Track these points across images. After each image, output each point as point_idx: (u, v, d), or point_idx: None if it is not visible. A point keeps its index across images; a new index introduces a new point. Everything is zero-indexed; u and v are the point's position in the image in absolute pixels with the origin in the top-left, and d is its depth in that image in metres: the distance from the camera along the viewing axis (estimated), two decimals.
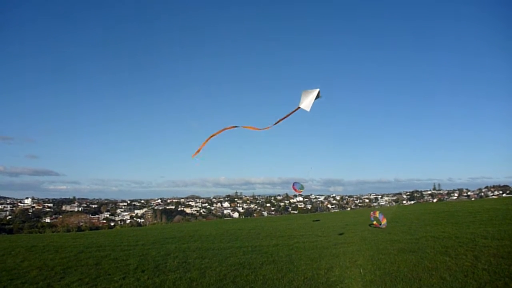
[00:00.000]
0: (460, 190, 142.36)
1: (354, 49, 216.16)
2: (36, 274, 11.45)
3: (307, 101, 8.80)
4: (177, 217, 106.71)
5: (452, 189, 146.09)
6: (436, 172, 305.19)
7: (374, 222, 23.17)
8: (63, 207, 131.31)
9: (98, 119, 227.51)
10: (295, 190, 24.42)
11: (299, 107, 8.74)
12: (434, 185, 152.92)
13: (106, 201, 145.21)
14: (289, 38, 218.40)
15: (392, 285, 9.04)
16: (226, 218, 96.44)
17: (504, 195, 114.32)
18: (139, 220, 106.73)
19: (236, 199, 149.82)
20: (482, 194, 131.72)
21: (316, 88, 8.68)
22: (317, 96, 8.62)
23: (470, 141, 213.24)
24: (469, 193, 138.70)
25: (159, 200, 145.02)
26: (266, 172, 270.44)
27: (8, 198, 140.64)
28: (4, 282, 10.39)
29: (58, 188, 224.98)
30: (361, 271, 10.73)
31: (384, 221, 22.52)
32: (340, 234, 20.44)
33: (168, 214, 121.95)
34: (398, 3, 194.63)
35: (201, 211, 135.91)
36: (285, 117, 9.41)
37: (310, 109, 8.60)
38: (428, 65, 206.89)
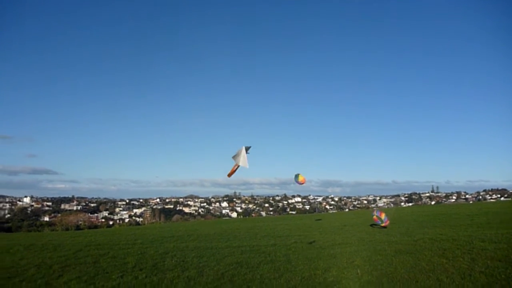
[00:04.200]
0: (458, 193, 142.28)
1: (352, 49, 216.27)
2: (34, 272, 11.47)
3: (242, 159, 9.52)
4: (176, 216, 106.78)
5: (450, 192, 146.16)
6: (434, 175, 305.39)
7: (382, 224, 22.83)
8: (62, 206, 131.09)
9: (97, 118, 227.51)
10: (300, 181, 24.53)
11: (239, 166, 9.55)
12: (432, 188, 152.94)
13: (104, 200, 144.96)
14: (287, 38, 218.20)
15: (389, 286, 9.08)
16: (224, 218, 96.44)
17: (502, 198, 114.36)
18: (137, 219, 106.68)
19: (234, 199, 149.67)
20: (480, 197, 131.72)
21: (241, 147, 9.42)
22: (247, 150, 9.35)
23: (468, 144, 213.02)
24: (467, 196, 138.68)
25: (158, 200, 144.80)
26: (264, 172, 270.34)
27: (7, 196, 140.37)
28: (2, 280, 10.41)
29: (57, 187, 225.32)
30: (358, 271, 10.76)
31: (383, 215, 22.54)
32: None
33: (167, 213, 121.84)
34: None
35: (200, 210, 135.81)
36: (234, 171, 10.21)
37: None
38: (427, 67, 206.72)
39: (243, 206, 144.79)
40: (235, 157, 9.28)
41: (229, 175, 12.08)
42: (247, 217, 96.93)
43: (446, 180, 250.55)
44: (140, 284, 10.00)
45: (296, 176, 24.66)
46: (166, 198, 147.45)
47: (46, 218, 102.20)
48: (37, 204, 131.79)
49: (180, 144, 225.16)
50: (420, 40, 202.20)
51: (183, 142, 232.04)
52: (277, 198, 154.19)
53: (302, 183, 24.89)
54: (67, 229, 43.63)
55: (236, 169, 11.02)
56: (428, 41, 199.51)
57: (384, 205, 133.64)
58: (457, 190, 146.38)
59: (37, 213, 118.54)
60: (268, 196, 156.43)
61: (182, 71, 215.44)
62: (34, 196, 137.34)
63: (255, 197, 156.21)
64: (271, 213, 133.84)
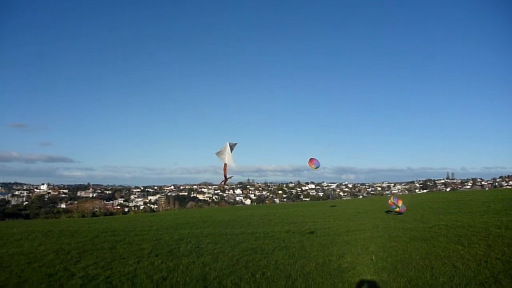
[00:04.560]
0: (474, 180, 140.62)
1: (367, 36, 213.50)
2: (53, 258, 11.70)
3: (228, 158, 9.26)
4: (190, 203, 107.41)
5: (465, 179, 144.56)
6: (450, 161, 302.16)
7: (397, 209, 22.82)
8: (78, 193, 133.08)
9: (112, 106, 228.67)
10: (310, 165, 24.55)
11: (226, 164, 9.26)
12: (448, 174, 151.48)
13: (120, 188, 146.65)
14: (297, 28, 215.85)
15: (404, 272, 9.06)
16: (238, 205, 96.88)
17: None
18: (152, 206, 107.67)
19: (248, 186, 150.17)
20: (496, 184, 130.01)
21: (225, 143, 9.11)
22: (232, 148, 9.05)
23: (484, 130, 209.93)
24: (483, 182, 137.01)
25: (172, 187, 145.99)
26: (277, 160, 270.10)
27: (25, 184, 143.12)
28: (22, 266, 10.63)
29: (73, 175, 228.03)
30: (373, 258, 10.76)
31: (400, 203, 22.44)
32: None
33: (181, 200, 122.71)
34: None
35: (214, 197, 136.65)
36: (226, 178, 9.95)
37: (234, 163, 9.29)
38: (442, 53, 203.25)
39: (257, 193, 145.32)
40: (219, 154, 9.09)
41: (220, 185, 11.81)
42: (260, 204, 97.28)
43: (462, 167, 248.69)
44: (156, 269, 10.13)
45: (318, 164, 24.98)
46: (180, 185, 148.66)
47: (63, 205, 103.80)
48: (54, 191, 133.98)
49: (194, 131, 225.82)
50: (440, 28, 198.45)
51: (197, 129, 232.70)
52: (290, 185, 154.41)
53: (314, 165, 25.05)
54: (83, 216, 44.18)
55: (226, 177, 10.78)
56: (447, 27, 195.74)
57: (398, 192, 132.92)
58: (473, 177, 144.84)
59: (54, 200, 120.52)
60: (281, 183, 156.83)
61: (194, 58, 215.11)
62: (51, 184, 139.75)
63: (268, 184, 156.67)
64: (285, 200, 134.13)
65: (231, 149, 8.94)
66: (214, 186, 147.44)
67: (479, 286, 7.78)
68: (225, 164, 9.10)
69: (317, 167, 25.18)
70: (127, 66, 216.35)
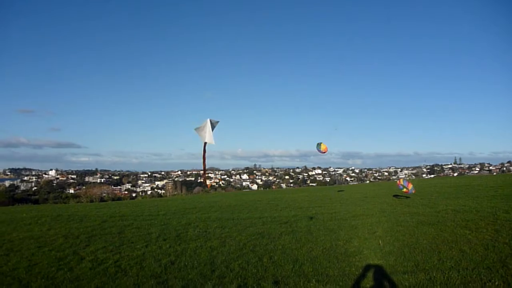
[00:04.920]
0: (482, 165, 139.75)
1: (374, 19, 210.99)
2: (62, 242, 11.84)
3: (208, 136, 8.84)
4: (197, 188, 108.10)
5: (473, 164, 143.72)
6: (457, 146, 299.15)
7: (404, 190, 22.80)
8: (86, 179, 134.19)
9: (118, 91, 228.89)
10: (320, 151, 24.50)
11: (206, 143, 8.80)
12: (455, 159, 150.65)
13: (127, 173, 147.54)
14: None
15: (411, 257, 9.07)
16: (245, 190, 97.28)
17: None
18: (159, 191, 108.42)
19: (254, 171, 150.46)
20: (504, 169, 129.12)
21: (205, 120, 8.69)
22: (213, 126, 8.65)
23: (492, 114, 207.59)
24: (490, 167, 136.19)
25: (179, 172, 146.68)
26: (284, 145, 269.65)
27: (33, 170, 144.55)
28: (32, 250, 10.77)
29: (81, 160, 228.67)
30: (380, 242, 10.77)
31: (410, 186, 22.40)
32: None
33: (188, 185, 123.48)
34: None
35: (220, 183, 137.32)
36: (204, 160, 9.52)
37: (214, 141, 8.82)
38: (449, 38, 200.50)
39: (264, 178, 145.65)
40: (198, 130, 8.73)
41: (206, 184, 11.40)
42: (267, 189, 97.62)
43: (470, 152, 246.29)
44: (164, 253, 10.22)
45: (319, 144, 24.61)
46: (187, 170, 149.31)
47: (71, 191, 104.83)
48: (62, 177, 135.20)
49: (200, 116, 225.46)
50: (453, 11, 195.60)
51: (203, 114, 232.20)
52: (297, 170, 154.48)
53: (324, 152, 24.84)
54: (91, 201, 44.64)
55: (205, 167, 10.26)
56: (460, 12, 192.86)
57: (405, 176, 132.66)
58: (481, 162, 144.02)
59: (62, 185, 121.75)
60: (288, 168, 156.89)
61: (198, 43, 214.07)
62: (59, 169, 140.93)
63: (275, 169, 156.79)
64: (292, 185, 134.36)
65: (212, 127, 8.61)
66: (221, 171, 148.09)
67: (486, 271, 7.77)
68: (205, 144, 8.77)
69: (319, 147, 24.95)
70: (134, 50, 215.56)
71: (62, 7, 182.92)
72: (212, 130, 8.83)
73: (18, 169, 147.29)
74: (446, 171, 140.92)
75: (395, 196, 24.58)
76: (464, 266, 8.13)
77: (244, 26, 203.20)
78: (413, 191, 22.62)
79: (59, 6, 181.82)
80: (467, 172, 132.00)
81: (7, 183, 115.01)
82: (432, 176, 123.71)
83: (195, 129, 9.01)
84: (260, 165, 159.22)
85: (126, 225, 15.24)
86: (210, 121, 8.73)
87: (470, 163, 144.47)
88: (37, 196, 78.13)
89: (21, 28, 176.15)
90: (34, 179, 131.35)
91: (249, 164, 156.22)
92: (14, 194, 72.54)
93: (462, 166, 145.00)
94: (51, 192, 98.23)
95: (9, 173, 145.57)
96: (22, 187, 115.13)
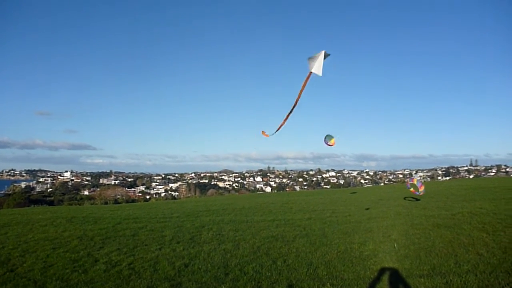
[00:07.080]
0: (498, 166, 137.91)
1: (394, 24, 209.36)
2: (77, 244, 11.91)
3: (317, 65, 8.39)
4: (211, 190, 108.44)
5: (489, 165, 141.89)
6: (473, 148, 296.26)
7: (411, 189, 22.35)
8: (101, 180, 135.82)
9: (134, 95, 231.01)
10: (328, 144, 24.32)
11: (311, 72, 8.38)
12: (471, 161, 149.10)
13: (141, 175, 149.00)
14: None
15: (427, 260, 8.95)
16: (258, 192, 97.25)
17: None
18: (173, 193, 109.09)
19: (268, 174, 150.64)
20: None
21: (320, 51, 8.29)
22: (325, 57, 8.25)
23: (508, 115, 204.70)
24: (507, 169, 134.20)
25: (193, 174, 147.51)
26: (297, 147, 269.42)
27: (49, 171, 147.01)
28: (47, 251, 10.85)
29: (95, 162, 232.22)
30: (395, 245, 10.66)
31: (422, 188, 21.91)
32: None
33: (202, 188, 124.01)
34: None
35: (234, 185, 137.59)
36: (302, 89, 9.12)
37: (322, 73, 8.28)
38: (463, 40, 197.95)
39: (277, 180, 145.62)
40: (310, 60, 8.42)
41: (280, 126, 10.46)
42: (281, 191, 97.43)
43: (486, 153, 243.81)
44: (178, 256, 10.23)
45: (329, 137, 24.43)
46: (201, 173, 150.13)
47: (86, 192, 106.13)
48: (77, 178, 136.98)
49: (215, 119, 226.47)
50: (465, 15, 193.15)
51: (217, 117, 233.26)
52: (311, 172, 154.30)
53: (332, 146, 24.72)
54: (106, 203, 45.11)
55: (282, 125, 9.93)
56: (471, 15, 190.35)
57: (420, 179, 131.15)
58: (497, 164, 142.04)
59: (77, 187, 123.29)
60: (302, 171, 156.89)
61: (213, 47, 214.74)
62: (74, 171, 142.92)
63: (289, 171, 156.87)
64: (305, 187, 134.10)
65: (324, 58, 8.32)
66: (235, 174, 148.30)
67: (504, 274, 7.64)
68: (309, 73, 8.50)
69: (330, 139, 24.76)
70: (150, 54, 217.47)
71: (80, 10, 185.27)
72: (323, 60, 8.51)
73: (34, 170, 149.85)
74: (462, 173, 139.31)
75: (406, 198, 24.30)
76: (482, 270, 8.00)
77: (259, 27, 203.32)
78: (421, 193, 22.01)
79: (78, 9, 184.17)
80: (483, 174, 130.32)
81: (23, 185, 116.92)
82: (448, 178, 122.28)
83: (308, 58, 8.74)
84: (274, 168, 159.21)
85: (139, 227, 15.29)
86: (325, 52, 8.46)
87: (487, 165, 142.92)
88: (52, 198, 79.15)
89: (40, 31, 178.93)
90: (49, 181, 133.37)
91: (263, 166, 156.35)
92: (30, 195, 73.61)
93: (478, 168, 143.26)
94: (66, 193, 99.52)
95: (25, 174, 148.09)
96: (37, 188, 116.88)
